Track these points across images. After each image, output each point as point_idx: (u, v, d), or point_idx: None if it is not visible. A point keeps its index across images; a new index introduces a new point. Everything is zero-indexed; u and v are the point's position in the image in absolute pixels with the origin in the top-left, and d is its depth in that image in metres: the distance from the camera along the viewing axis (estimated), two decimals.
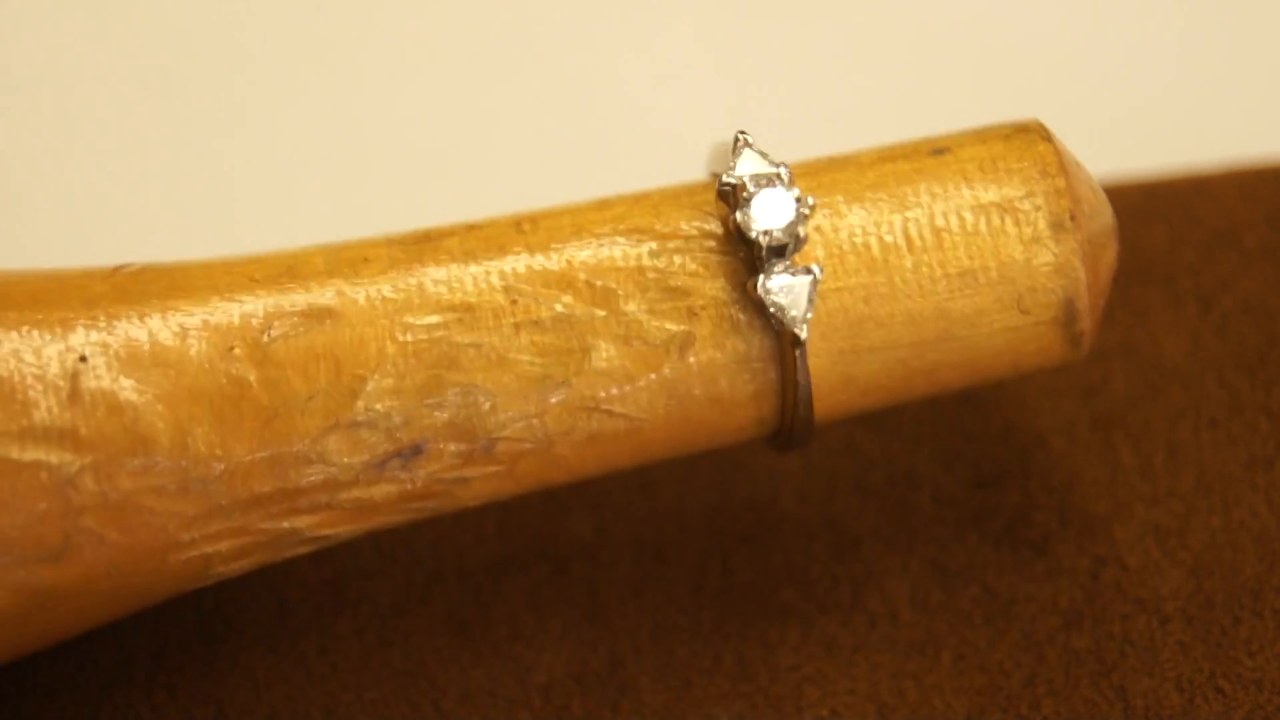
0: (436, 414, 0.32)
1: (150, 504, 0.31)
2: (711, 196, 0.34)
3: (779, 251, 0.33)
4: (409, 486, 0.32)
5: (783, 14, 0.52)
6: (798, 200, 0.33)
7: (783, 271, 0.33)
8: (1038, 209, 0.34)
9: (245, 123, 0.49)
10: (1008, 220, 0.34)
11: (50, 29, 0.51)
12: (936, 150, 0.34)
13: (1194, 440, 0.38)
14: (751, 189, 0.33)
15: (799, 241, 0.33)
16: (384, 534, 0.36)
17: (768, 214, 0.33)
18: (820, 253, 0.33)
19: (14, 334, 0.31)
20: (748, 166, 0.33)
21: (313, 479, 0.32)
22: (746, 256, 0.33)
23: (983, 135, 0.35)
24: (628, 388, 0.33)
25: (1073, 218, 0.34)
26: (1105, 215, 0.35)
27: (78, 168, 0.49)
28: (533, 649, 0.35)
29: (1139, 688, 0.35)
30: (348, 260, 0.33)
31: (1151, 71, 0.51)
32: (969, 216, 0.34)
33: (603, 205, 0.34)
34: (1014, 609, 0.36)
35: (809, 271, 0.33)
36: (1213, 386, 0.39)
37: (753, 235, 0.33)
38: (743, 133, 0.34)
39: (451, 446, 0.32)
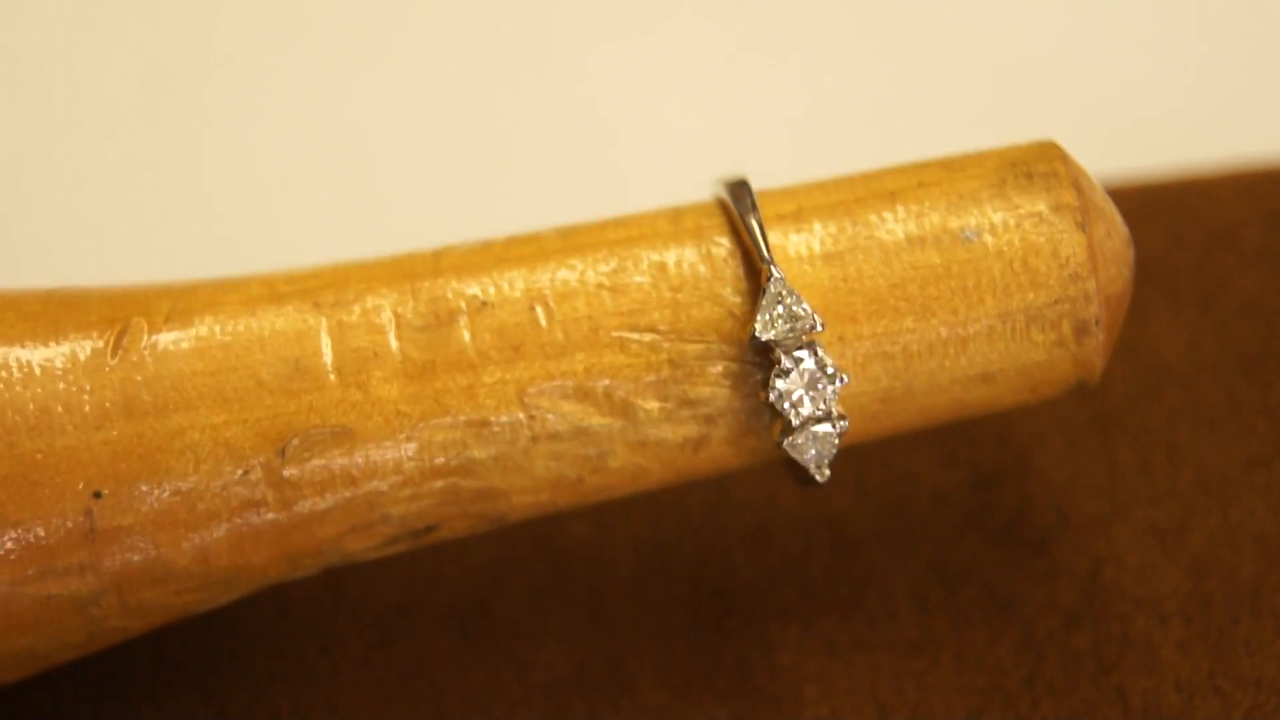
0: (452, 508, 0.32)
1: (169, 602, 0.31)
2: (730, 282, 0.32)
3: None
4: (415, 544, 0.33)
5: (786, 17, 0.52)
6: (833, 376, 0.32)
7: (810, 425, 0.32)
8: (1064, 316, 0.33)
9: (238, 131, 0.49)
10: (1033, 328, 0.33)
11: (47, 36, 0.51)
12: (967, 236, 0.32)
13: (1192, 440, 0.38)
14: (786, 363, 0.31)
15: (832, 415, 0.32)
16: None
17: (803, 391, 0.32)
18: (846, 358, 0.32)
19: (30, 470, 0.30)
20: (777, 321, 0.32)
21: (325, 561, 0.32)
22: (767, 369, 0.32)
23: (1014, 207, 0.33)
24: (639, 479, 0.33)
25: (1098, 321, 0.33)
26: (1126, 265, 0.34)
27: (74, 176, 0.49)
28: (533, 649, 0.35)
29: (1138, 687, 0.35)
30: (356, 356, 0.31)
31: (1152, 72, 0.51)
32: (996, 324, 0.32)
33: (617, 287, 0.32)
34: (1013, 608, 0.36)
35: (836, 423, 0.32)
36: (1211, 387, 0.39)
37: (785, 410, 0.32)
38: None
39: (463, 525, 0.32)
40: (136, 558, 0.30)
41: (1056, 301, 0.32)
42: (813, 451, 0.32)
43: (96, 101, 0.49)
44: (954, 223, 0.33)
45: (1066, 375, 0.33)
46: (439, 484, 0.32)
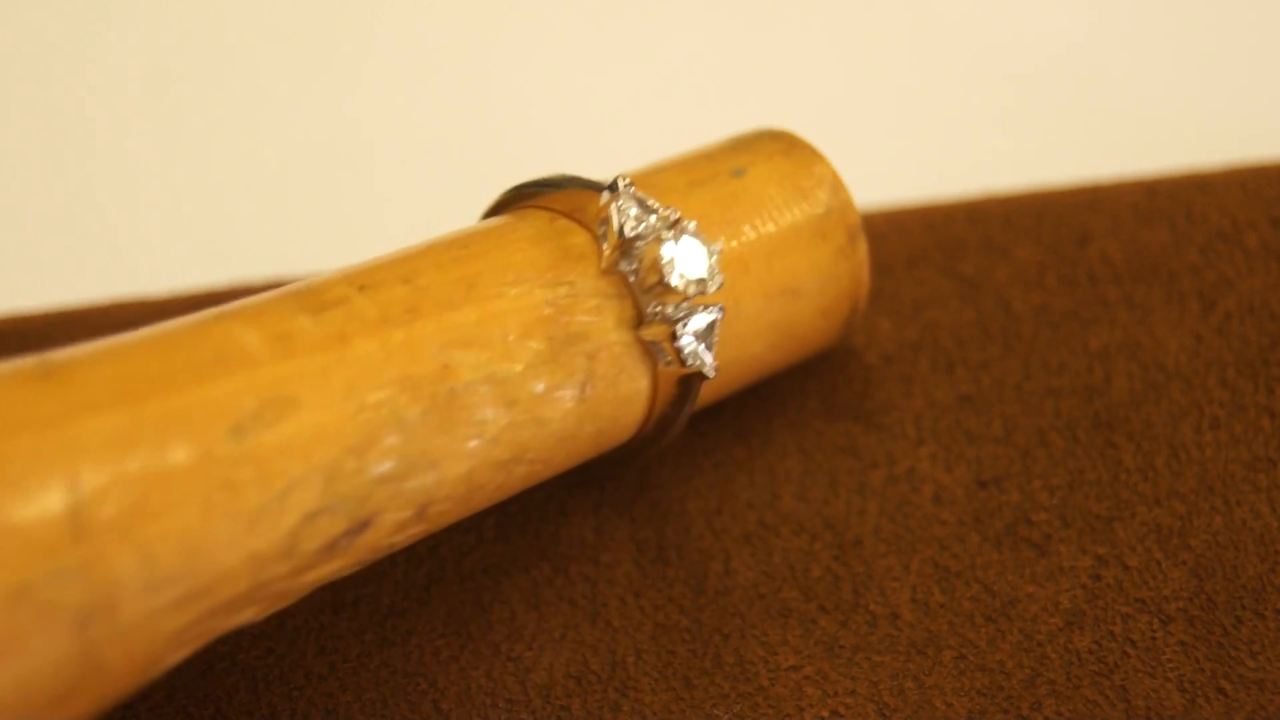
0: (388, 486, 0.32)
1: (151, 627, 0.30)
2: (578, 233, 0.35)
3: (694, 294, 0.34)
4: (344, 561, 0.32)
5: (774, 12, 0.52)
6: (709, 248, 0.34)
7: (697, 314, 0.34)
8: (837, 225, 0.37)
9: (232, 133, 0.50)
10: (819, 239, 0.37)
11: (48, 34, 0.51)
12: (737, 171, 0.37)
13: (1196, 440, 0.38)
14: (672, 242, 0.34)
15: (710, 278, 0.34)
16: None
17: (681, 262, 0.34)
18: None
19: (18, 473, 0.29)
20: (635, 218, 0.34)
21: (279, 571, 0.31)
22: (634, 302, 0.34)
23: (759, 151, 0.37)
24: (536, 446, 0.34)
25: (860, 228, 0.38)
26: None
27: (75, 170, 0.49)
28: (533, 649, 0.35)
29: (1140, 688, 0.35)
30: (274, 337, 0.31)
31: (1153, 72, 0.51)
32: (790, 236, 0.37)
33: (477, 255, 0.34)
34: (1015, 609, 0.36)
35: (713, 311, 0.34)
36: (1215, 386, 0.39)
37: (677, 285, 0.34)
38: (623, 177, 0.35)
39: (393, 517, 0.32)
40: (124, 557, 0.29)
41: (828, 211, 0.37)
42: (701, 344, 0.34)
43: (96, 102, 0.49)
44: (721, 167, 0.37)
45: (847, 290, 0.38)
46: (375, 453, 0.31)
